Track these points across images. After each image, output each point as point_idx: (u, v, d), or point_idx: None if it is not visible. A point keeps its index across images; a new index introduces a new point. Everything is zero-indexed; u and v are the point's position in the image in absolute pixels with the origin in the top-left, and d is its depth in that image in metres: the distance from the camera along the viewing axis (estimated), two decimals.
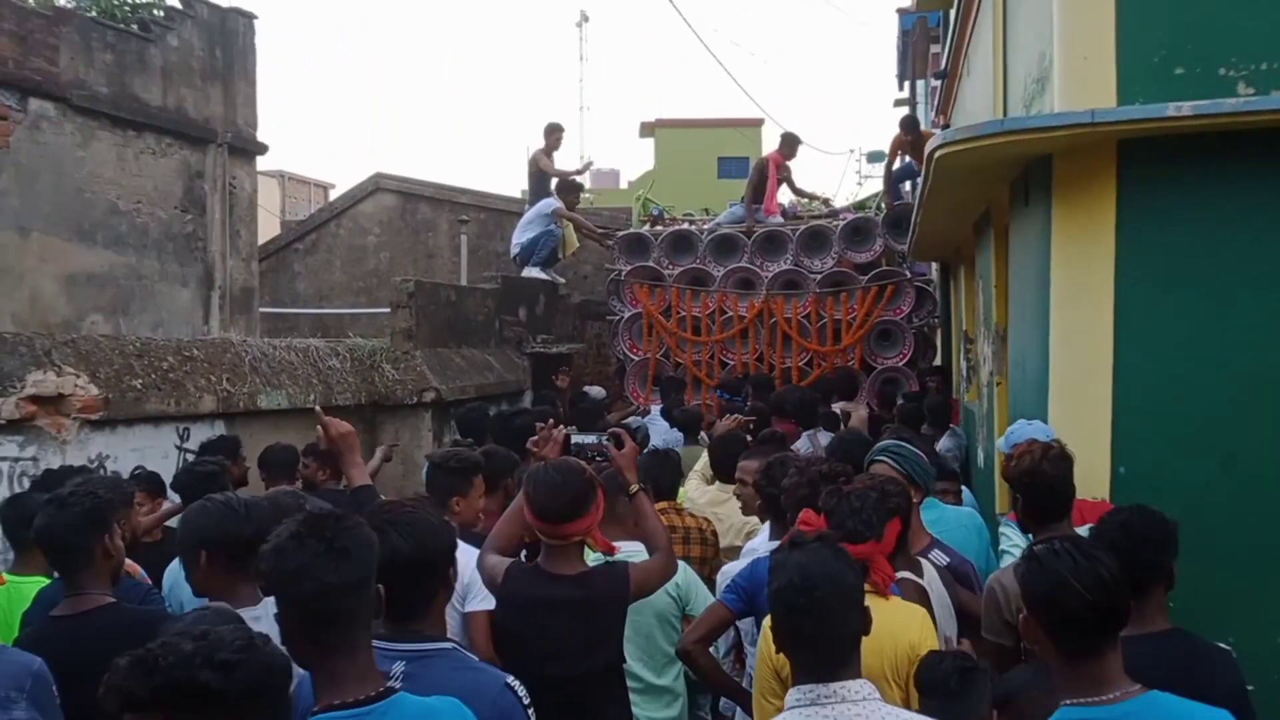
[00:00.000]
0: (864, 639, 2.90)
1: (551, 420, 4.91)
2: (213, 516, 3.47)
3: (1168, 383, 5.02)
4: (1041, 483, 4.03)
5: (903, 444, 4.85)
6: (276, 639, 2.42)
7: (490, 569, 3.94)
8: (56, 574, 3.94)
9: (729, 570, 4.58)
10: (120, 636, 2.97)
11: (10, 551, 4.80)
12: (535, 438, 4.79)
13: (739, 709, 4.39)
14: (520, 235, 13.37)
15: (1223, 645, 3.54)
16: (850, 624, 2.59)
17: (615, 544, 4.24)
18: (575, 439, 4.69)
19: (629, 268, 12.94)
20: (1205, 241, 4.98)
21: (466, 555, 4.31)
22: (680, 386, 11.49)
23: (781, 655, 2.78)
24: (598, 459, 4.64)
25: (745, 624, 4.45)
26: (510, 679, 2.96)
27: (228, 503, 3.57)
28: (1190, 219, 4.99)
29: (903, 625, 3.45)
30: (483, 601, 4.22)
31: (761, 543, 4.81)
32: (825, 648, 2.56)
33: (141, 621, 3.11)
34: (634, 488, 4.36)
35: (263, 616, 3.21)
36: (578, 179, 14.11)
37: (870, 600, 3.41)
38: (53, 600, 3.64)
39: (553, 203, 13.24)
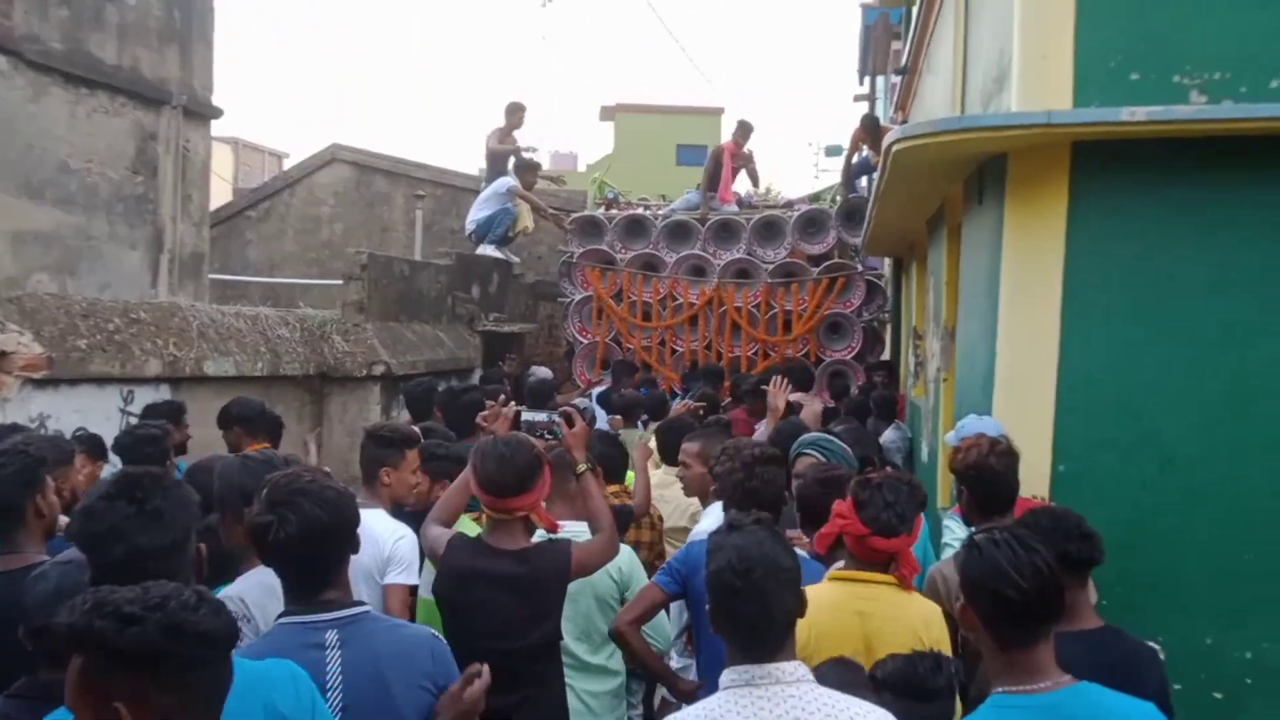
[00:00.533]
0: (888, 626, 2.93)
1: (502, 397, 4.93)
2: (255, 475, 3.46)
3: (1110, 384, 5.11)
4: (987, 476, 4.10)
5: (829, 438, 4.92)
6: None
7: (432, 540, 3.96)
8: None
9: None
10: (51, 593, 3.00)
11: None
12: (485, 413, 4.81)
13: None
14: (476, 213, 13.36)
15: (1151, 644, 3.61)
16: (786, 606, 2.61)
17: (561, 523, 4.28)
18: (525, 416, 4.71)
19: (581, 250, 12.93)
20: (1153, 246, 5.07)
21: (389, 527, 4.33)
22: (631, 370, 11.53)
23: None
24: (547, 437, 4.66)
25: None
26: (433, 630, 3.10)
27: (268, 460, 3.65)
28: (1139, 223, 5.08)
29: (924, 622, 3.48)
30: (403, 575, 4.30)
31: (712, 524, 4.84)
32: (761, 630, 2.58)
33: (68, 578, 3.09)
34: (582, 467, 4.38)
35: None
36: (535, 158, 14.08)
37: (895, 593, 3.46)
38: None
39: (509, 181, 13.23)
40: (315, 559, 2.87)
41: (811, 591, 3.62)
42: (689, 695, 4.06)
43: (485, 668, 2.91)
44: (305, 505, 2.83)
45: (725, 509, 4.31)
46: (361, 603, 3.00)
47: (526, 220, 13.59)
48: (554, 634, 3.92)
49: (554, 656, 3.94)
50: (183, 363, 7.86)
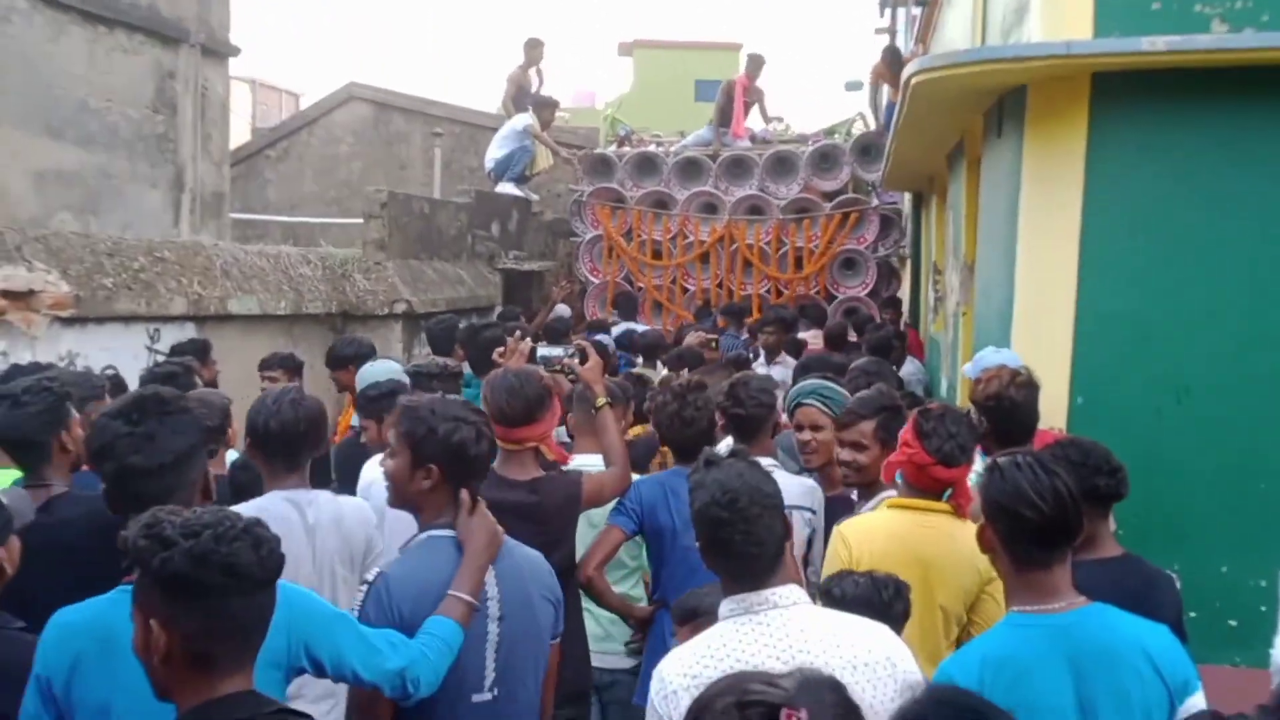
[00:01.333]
0: (946, 554, 2.96)
1: (518, 333, 4.99)
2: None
3: (1127, 316, 5.13)
4: (1007, 407, 4.14)
5: (830, 386, 4.88)
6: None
7: None
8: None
9: None
10: (75, 523, 3.17)
11: None
12: (501, 349, 4.88)
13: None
14: (495, 151, 13.32)
15: (1168, 572, 3.67)
16: (774, 531, 2.65)
17: (584, 456, 4.37)
18: (541, 352, 4.77)
19: (591, 188, 12.85)
20: (1172, 178, 5.07)
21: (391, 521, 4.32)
22: (633, 304, 11.58)
23: None
24: (563, 372, 4.73)
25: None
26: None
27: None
28: (1159, 154, 5.07)
29: (974, 548, 3.53)
30: None
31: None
32: (754, 556, 2.62)
33: (94, 508, 3.18)
34: (600, 401, 4.43)
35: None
36: (552, 96, 14.01)
37: (952, 522, 3.51)
38: None
39: (526, 119, 13.16)
40: (488, 467, 3.15)
41: (869, 519, 3.70)
42: (646, 622, 4.24)
43: (465, 494, 3.00)
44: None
45: (661, 440, 4.44)
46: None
47: (544, 160, 13.56)
48: (568, 561, 3.99)
49: (568, 584, 4.02)
50: (207, 301, 7.93)
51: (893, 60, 12.14)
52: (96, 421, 2.75)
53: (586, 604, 4.32)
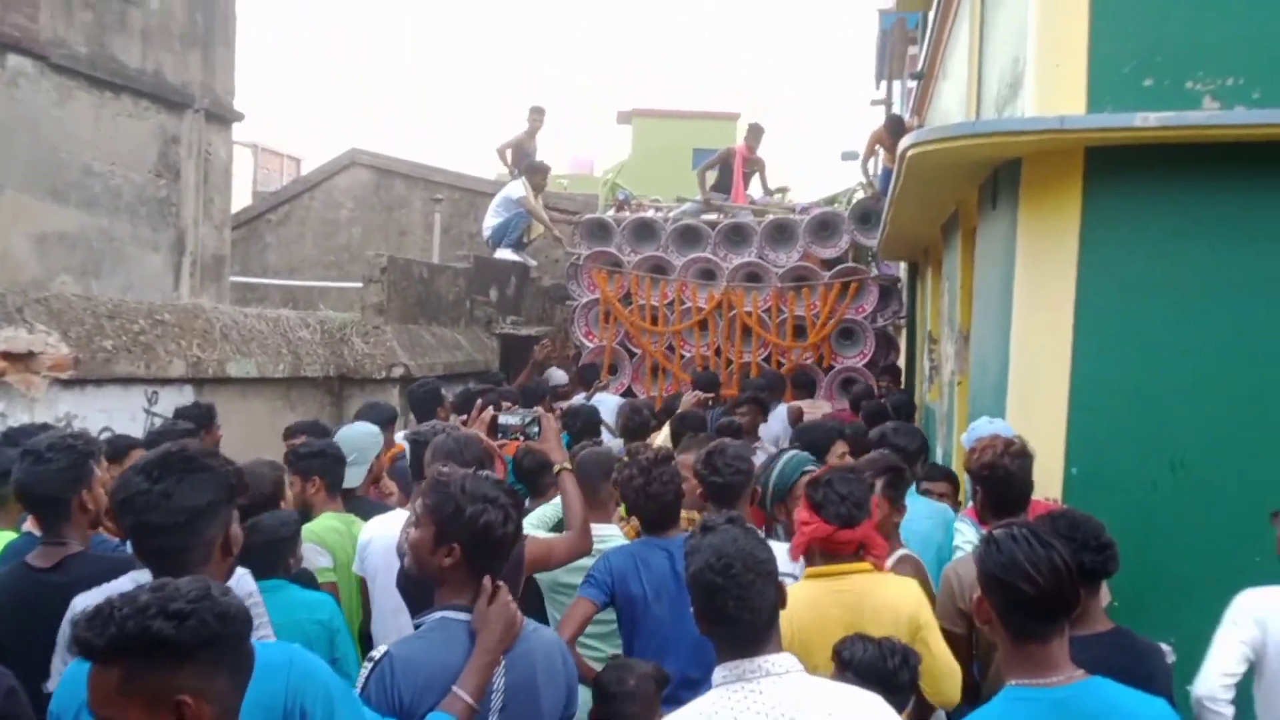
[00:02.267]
0: (868, 613, 2.97)
1: (480, 402, 5.04)
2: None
3: (1122, 387, 5.16)
4: (1001, 476, 4.16)
5: (807, 457, 4.95)
6: None
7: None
8: (25, 528, 4.00)
9: None
10: (87, 583, 3.07)
11: None
12: (464, 417, 4.94)
13: None
14: (490, 219, 13.41)
15: (1162, 644, 3.67)
16: (767, 597, 2.67)
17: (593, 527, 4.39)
18: (502, 419, 4.77)
19: (588, 252, 12.82)
20: (1166, 250, 5.12)
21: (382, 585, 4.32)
22: (596, 373, 11.61)
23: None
24: (520, 438, 4.76)
25: None
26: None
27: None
28: (1152, 228, 5.13)
29: (899, 598, 3.57)
30: None
31: None
32: (747, 623, 2.63)
33: (109, 568, 3.17)
34: (558, 467, 4.49)
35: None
36: (543, 162, 14.13)
37: (870, 578, 3.54)
38: (18, 552, 3.67)
39: (519, 188, 13.23)
40: (511, 552, 3.02)
41: (791, 593, 3.71)
42: None
43: (488, 580, 2.90)
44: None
45: (629, 512, 4.40)
46: None
47: (536, 228, 13.64)
48: None
49: None
50: (206, 364, 7.96)
51: (894, 128, 12.08)
52: (120, 476, 2.77)
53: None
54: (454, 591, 2.92)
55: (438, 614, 2.92)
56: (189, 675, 2.00)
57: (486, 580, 2.88)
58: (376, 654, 2.87)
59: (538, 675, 2.98)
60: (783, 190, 14.63)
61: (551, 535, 4.28)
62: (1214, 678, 3.63)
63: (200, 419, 6.45)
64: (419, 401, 7.47)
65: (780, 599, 2.73)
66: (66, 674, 2.57)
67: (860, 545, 3.59)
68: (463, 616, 2.87)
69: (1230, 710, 3.58)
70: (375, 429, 5.69)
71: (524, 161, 13.88)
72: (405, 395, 9.20)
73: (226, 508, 2.77)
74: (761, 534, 2.90)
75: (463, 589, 2.91)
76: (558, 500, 4.79)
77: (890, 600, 3.50)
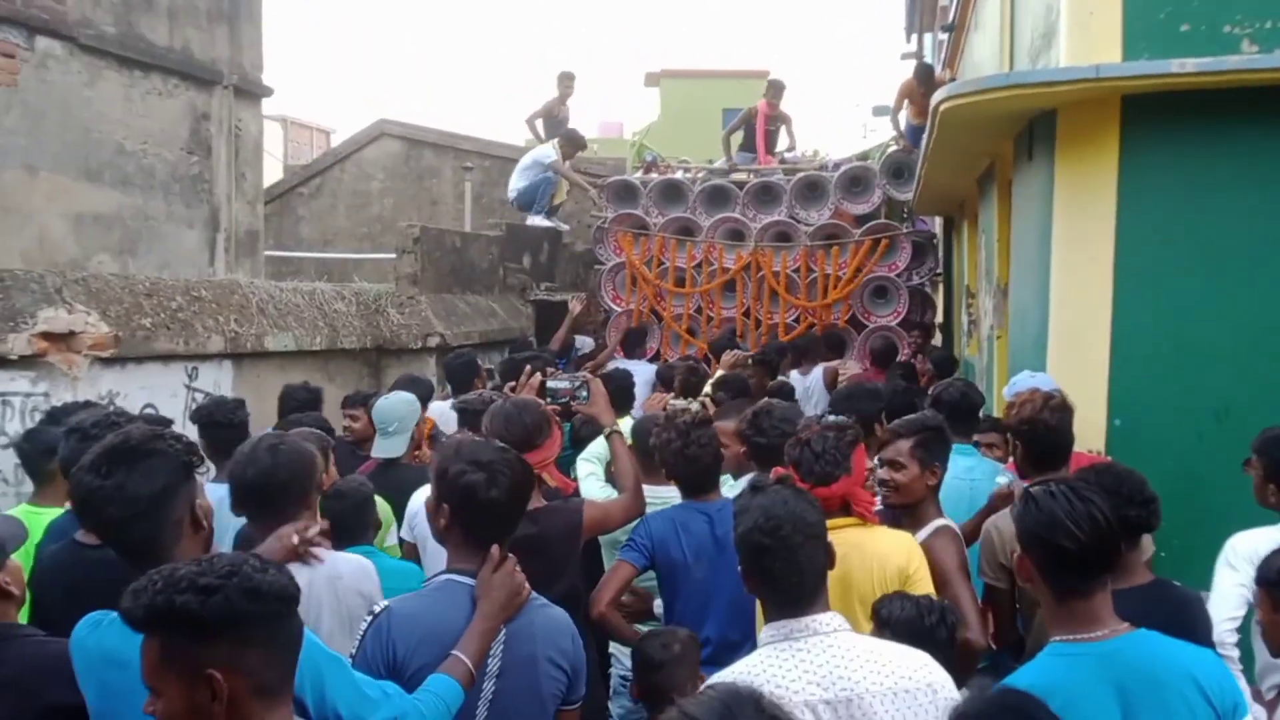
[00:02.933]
0: (855, 564, 2.97)
1: (528, 367, 5.05)
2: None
3: (1163, 337, 5.11)
4: (1041, 431, 4.13)
5: None
6: None
7: None
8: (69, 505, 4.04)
9: None
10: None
11: (24, 484, 4.87)
12: (512, 383, 4.96)
13: None
14: (517, 181, 13.20)
15: (1201, 593, 3.65)
16: (816, 560, 2.68)
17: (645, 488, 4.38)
18: (550, 383, 4.79)
19: (614, 215, 12.66)
20: (1205, 198, 5.05)
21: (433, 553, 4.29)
22: (641, 338, 11.46)
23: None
24: (570, 402, 4.77)
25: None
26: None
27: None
28: (1191, 176, 5.06)
29: (891, 549, 3.56)
30: None
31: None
32: (795, 584, 2.64)
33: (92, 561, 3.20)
34: (607, 429, 4.54)
35: None
36: (580, 134, 13.99)
37: (858, 531, 3.54)
38: (63, 531, 3.73)
39: (550, 151, 13.08)
40: (511, 518, 3.01)
41: None
42: None
43: (495, 549, 2.92)
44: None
45: (667, 476, 4.38)
46: None
47: (561, 192, 13.51)
48: (571, 591, 3.93)
49: (574, 612, 4.00)
50: (244, 339, 8.01)
51: (925, 77, 11.89)
52: (72, 475, 2.75)
53: None
54: (457, 555, 2.97)
55: (443, 576, 2.97)
56: (218, 650, 2.02)
57: (494, 549, 2.91)
58: (378, 608, 2.91)
59: (538, 651, 2.96)
60: (815, 152, 14.47)
61: (608, 499, 4.28)
62: (1221, 623, 3.60)
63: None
64: (456, 372, 7.45)
65: (830, 560, 2.73)
66: (74, 636, 2.61)
67: (844, 500, 3.58)
68: (467, 580, 2.90)
69: (1236, 653, 3.57)
70: (412, 397, 5.73)
71: (560, 130, 13.72)
72: (442, 365, 9.23)
73: (186, 485, 2.74)
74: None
75: (463, 552, 2.95)
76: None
77: (880, 551, 3.48)
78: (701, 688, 2.37)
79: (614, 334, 12.21)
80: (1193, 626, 3.16)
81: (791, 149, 14.00)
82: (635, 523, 4.31)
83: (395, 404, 5.53)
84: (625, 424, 5.27)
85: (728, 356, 8.35)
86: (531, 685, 2.95)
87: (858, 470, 3.65)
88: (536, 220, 13.15)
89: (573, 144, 13.35)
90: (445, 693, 2.72)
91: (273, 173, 18.55)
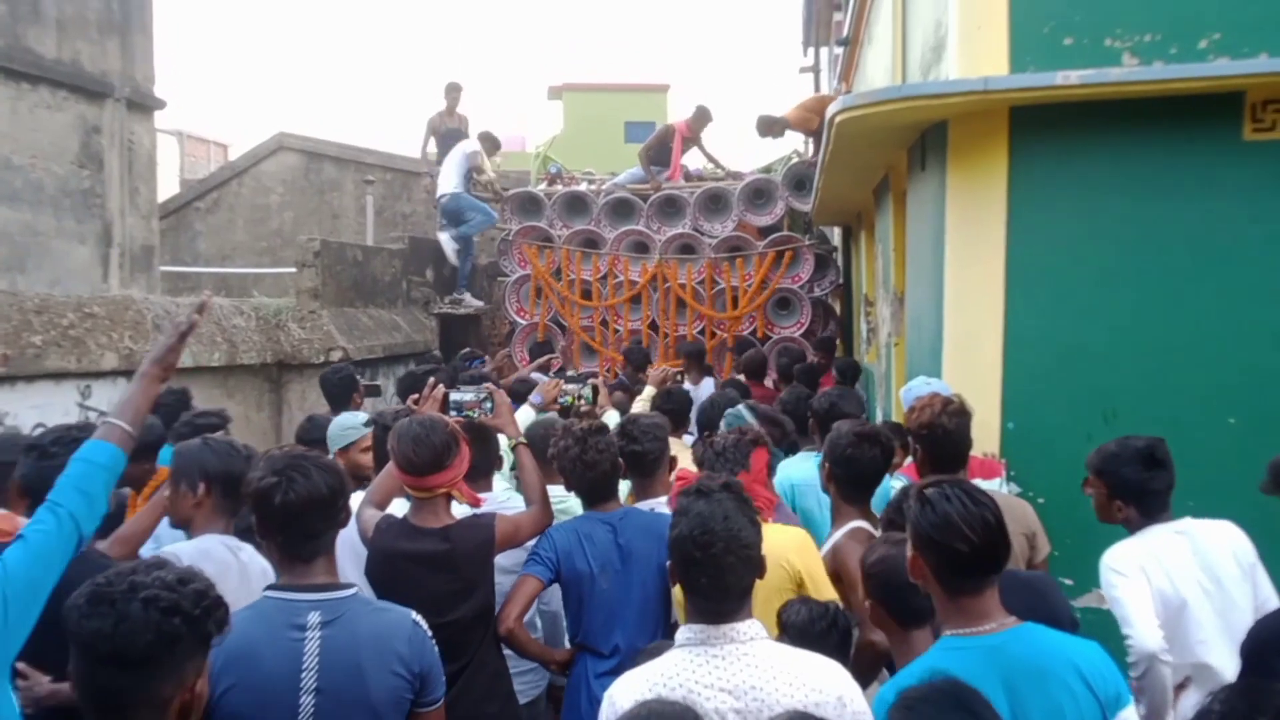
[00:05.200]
0: None
1: (431, 380, 5.04)
2: (217, 453, 3.74)
3: (1054, 342, 5.24)
4: (940, 435, 4.21)
5: (748, 407, 5.09)
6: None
7: (364, 523, 4.03)
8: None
9: None
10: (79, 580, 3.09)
11: None
12: (415, 395, 4.93)
13: None
14: (445, 186, 12.78)
15: (1046, 575, 3.73)
16: (744, 578, 2.70)
17: (481, 496, 4.42)
18: (454, 396, 4.77)
19: (518, 227, 12.59)
20: (1092, 206, 5.20)
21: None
22: (546, 351, 11.35)
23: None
24: (475, 415, 4.75)
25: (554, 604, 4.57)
26: (413, 614, 3.10)
27: (230, 443, 3.85)
28: (1078, 185, 5.21)
29: (780, 546, 3.61)
30: None
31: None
32: (718, 598, 2.67)
33: (99, 567, 3.17)
34: (513, 441, 4.57)
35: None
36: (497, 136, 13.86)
37: None
38: None
39: (474, 143, 12.88)
40: (312, 526, 2.96)
41: None
42: (565, 666, 4.20)
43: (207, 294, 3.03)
44: (312, 471, 2.95)
45: (568, 487, 4.38)
46: (350, 584, 3.05)
47: (488, 169, 13.33)
48: (485, 606, 3.97)
49: (487, 627, 3.99)
50: (139, 355, 7.84)
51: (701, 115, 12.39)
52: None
53: None
54: (280, 569, 3.05)
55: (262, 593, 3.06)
56: (201, 655, 2.23)
57: (206, 294, 3.02)
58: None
59: (363, 659, 2.90)
60: (717, 166, 14.49)
61: (518, 513, 4.27)
62: (1151, 629, 3.63)
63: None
64: (333, 388, 7.14)
65: (759, 572, 2.75)
66: None
67: None
68: (282, 595, 2.97)
69: (1170, 659, 3.64)
70: (359, 419, 5.69)
71: (453, 141, 13.49)
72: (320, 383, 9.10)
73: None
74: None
75: (284, 566, 3.02)
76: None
77: (775, 548, 3.53)
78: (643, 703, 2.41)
79: (519, 347, 12.16)
80: (1053, 606, 3.19)
81: (702, 168, 13.92)
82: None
83: (344, 422, 5.48)
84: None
85: (655, 374, 8.32)
86: (359, 696, 2.89)
87: (756, 468, 3.74)
88: (445, 241, 12.88)
89: (491, 143, 13.23)
90: (92, 455, 2.83)
91: (169, 187, 18.19)
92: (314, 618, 2.89)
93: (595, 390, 5.40)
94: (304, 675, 2.83)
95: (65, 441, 3.53)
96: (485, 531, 4.01)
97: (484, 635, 3.97)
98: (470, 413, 4.70)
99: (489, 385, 5.05)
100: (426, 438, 3.87)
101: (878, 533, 3.99)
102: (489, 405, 4.71)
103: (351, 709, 2.88)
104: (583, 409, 5.19)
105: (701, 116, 13.29)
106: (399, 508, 4.14)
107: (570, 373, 5.13)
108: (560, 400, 5.44)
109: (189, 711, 2.21)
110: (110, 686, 2.12)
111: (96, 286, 10.63)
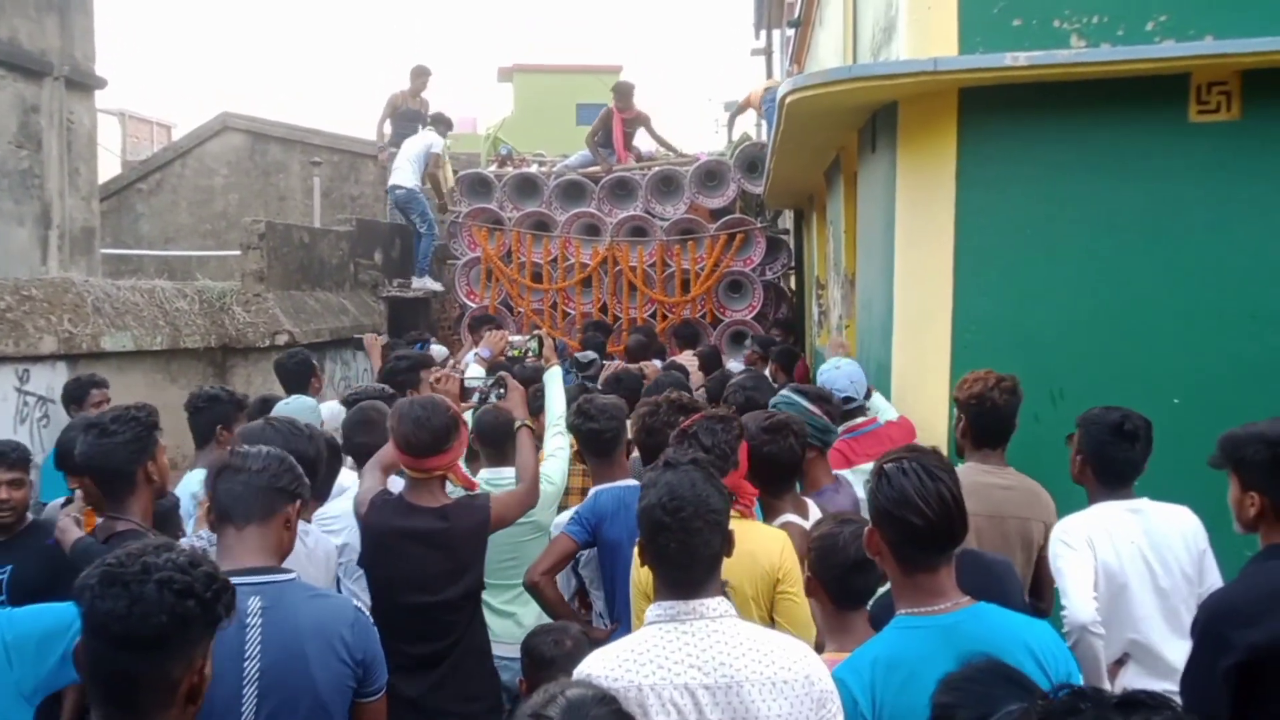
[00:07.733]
0: (727, 560, 3.02)
1: (452, 362, 5.09)
2: (281, 434, 3.65)
3: (1003, 322, 5.27)
4: (988, 408, 4.26)
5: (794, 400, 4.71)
6: None
7: (360, 495, 4.04)
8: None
9: None
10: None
11: None
12: (435, 376, 5.06)
13: None
14: (407, 175, 12.40)
15: (1001, 557, 3.74)
16: (712, 545, 2.68)
17: (475, 479, 4.40)
18: (468, 382, 4.92)
19: (468, 209, 12.46)
20: (1040, 187, 5.23)
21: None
22: (487, 323, 11.21)
23: (646, 573, 2.88)
24: (487, 399, 4.91)
25: (588, 570, 4.58)
26: (355, 601, 3.14)
27: (292, 422, 3.82)
28: (1027, 165, 5.24)
29: (763, 547, 3.59)
30: None
31: None
32: (687, 566, 2.65)
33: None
34: (518, 423, 4.64)
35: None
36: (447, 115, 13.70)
37: (735, 523, 3.56)
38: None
39: (439, 141, 12.70)
40: (258, 509, 2.91)
41: None
42: (601, 643, 4.15)
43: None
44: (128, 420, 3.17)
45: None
46: (288, 570, 2.95)
47: (450, 179, 13.24)
48: (475, 586, 4.01)
49: (475, 606, 4.05)
50: (79, 339, 7.70)
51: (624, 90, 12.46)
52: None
53: (512, 607, 4.52)
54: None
55: None
56: (209, 638, 2.20)
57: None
58: None
59: (306, 647, 2.81)
60: (669, 149, 14.40)
61: (508, 492, 4.33)
62: (1086, 602, 3.68)
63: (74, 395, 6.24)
64: (290, 372, 6.80)
65: (727, 547, 2.74)
66: None
67: (730, 493, 3.61)
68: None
69: (1102, 631, 3.68)
70: (312, 403, 5.75)
71: (412, 125, 13.28)
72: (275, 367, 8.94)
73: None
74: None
75: None
76: None
77: (750, 548, 3.50)
78: (557, 682, 2.36)
79: (465, 329, 12.02)
80: (1006, 587, 3.21)
81: (666, 150, 13.78)
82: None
83: (294, 410, 5.33)
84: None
85: (611, 366, 8.26)
86: (305, 684, 2.80)
87: (742, 463, 3.68)
88: (424, 283, 12.80)
89: (444, 124, 13.08)
90: None
91: (110, 168, 17.89)
92: (254, 603, 2.79)
93: (540, 341, 5.50)
94: (246, 664, 2.74)
95: (125, 420, 3.57)
96: (481, 512, 4.06)
97: (472, 615, 4.05)
98: (483, 397, 5.02)
99: (502, 372, 5.19)
100: (427, 420, 3.89)
101: (807, 524, 3.97)
102: (501, 390, 4.96)
103: (298, 697, 2.79)
104: (529, 361, 5.27)
105: (623, 92, 13.13)
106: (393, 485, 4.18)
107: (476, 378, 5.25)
108: (507, 353, 5.65)
109: (197, 694, 2.17)
110: (122, 668, 2.09)
111: (35, 269, 10.42)
